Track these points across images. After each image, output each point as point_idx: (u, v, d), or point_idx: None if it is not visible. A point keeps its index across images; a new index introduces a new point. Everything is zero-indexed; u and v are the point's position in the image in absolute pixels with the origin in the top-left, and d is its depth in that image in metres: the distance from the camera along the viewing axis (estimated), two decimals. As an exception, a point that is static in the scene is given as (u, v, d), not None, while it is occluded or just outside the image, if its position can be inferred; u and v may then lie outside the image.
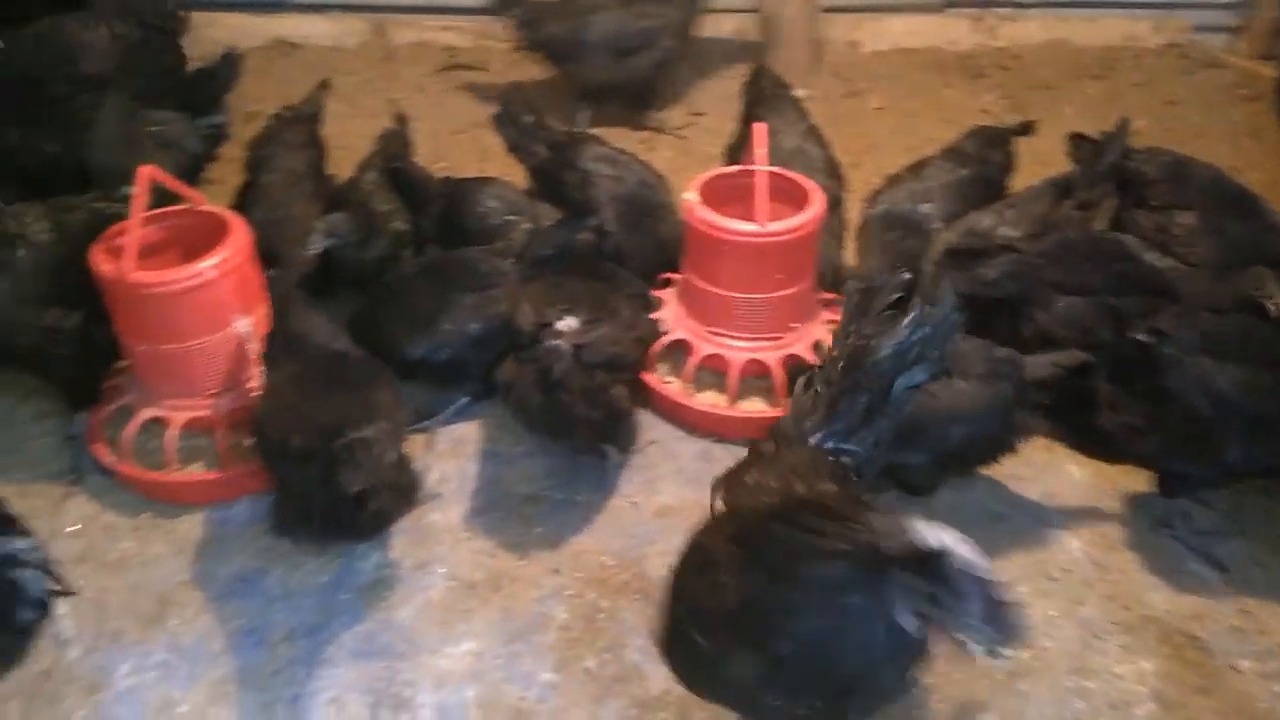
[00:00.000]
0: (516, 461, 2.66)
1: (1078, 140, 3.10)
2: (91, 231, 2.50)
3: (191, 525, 2.47)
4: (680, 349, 2.81)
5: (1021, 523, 2.51)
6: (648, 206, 3.05)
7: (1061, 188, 2.95)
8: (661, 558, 2.41)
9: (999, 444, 2.39)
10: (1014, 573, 2.36)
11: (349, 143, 3.66)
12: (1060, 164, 3.13)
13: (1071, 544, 2.46)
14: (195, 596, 2.31)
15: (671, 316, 2.85)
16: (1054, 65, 4.62)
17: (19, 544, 1.59)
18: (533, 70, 4.45)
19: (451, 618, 2.27)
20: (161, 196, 2.54)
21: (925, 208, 2.96)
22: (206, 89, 3.31)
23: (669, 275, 2.99)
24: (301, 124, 3.34)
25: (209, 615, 2.27)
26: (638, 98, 4.16)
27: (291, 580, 2.35)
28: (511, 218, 2.96)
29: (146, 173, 2.39)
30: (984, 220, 2.84)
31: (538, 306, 2.39)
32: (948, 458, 2.37)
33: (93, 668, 2.15)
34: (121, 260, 2.33)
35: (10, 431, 2.72)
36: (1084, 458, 2.59)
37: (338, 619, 2.26)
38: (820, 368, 1.97)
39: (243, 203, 3.03)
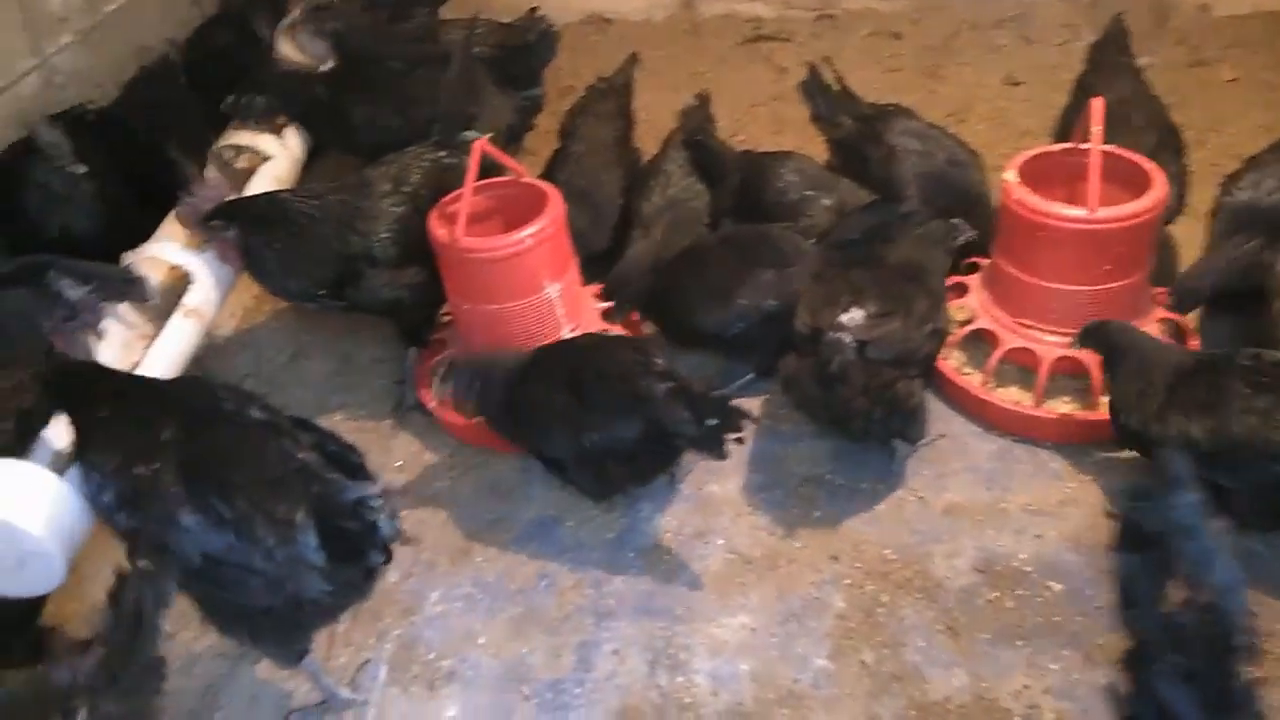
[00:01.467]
0: (798, 441, 2.64)
1: None
2: (431, 183, 2.76)
3: (499, 470, 2.67)
4: (983, 339, 2.65)
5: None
6: (957, 186, 2.89)
7: None
8: (947, 559, 2.31)
9: None
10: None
11: (655, 116, 3.77)
12: None
13: None
14: (498, 537, 2.50)
15: (976, 304, 2.69)
16: None
17: (372, 490, 1.79)
18: (839, 39, 4.36)
19: (728, 589, 2.31)
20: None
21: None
22: (525, 64, 3.50)
23: (975, 259, 2.82)
24: (612, 96, 3.48)
25: (509, 556, 2.45)
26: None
27: (582, 532, 2.49)
28: (810, 193, 2.91)
29: (479, 146, 2.58)
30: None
31: (816, 308, 2.36)
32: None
33: (408, 592, 2.40)
34: (454, 226, 2.55)
35: (351, 375, 3.07)
36: None
37: (621, 575, 2.37)
38: None
39: (551, 168, 3.22)
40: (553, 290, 2.63)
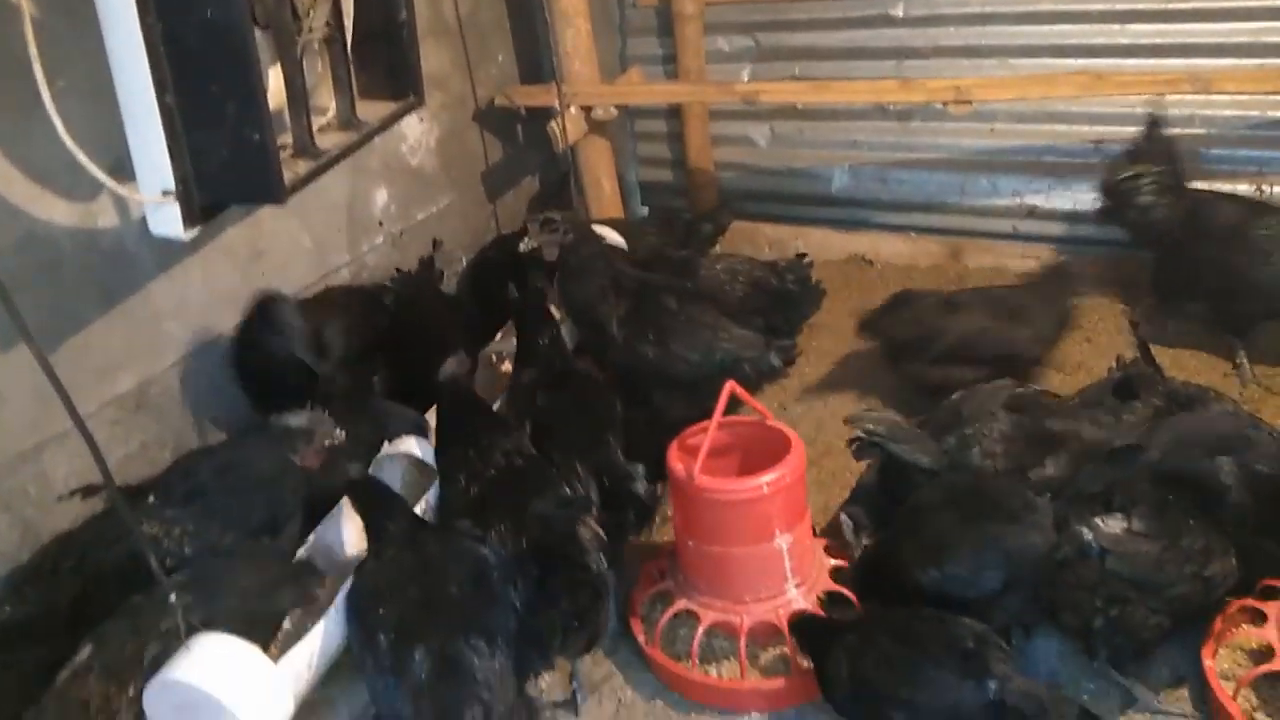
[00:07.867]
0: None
1: None
2: None
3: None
4: (1284, 682, 2.24)
5: None
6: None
7: None
8: None
9: None
10: None
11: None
12: None
13: None
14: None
15: (1277, 638, 2.28)
16: None
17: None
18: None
19: None
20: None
21: None
22: (791, 313, 3.52)
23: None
24: None
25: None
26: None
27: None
28: None
29: (729, 386, 2.58)
30: None
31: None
32: None
33: None
34: (691, 461, 2.52)
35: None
36: None
37: None
38: None
39: None
40: (783, 541, 2.51)
